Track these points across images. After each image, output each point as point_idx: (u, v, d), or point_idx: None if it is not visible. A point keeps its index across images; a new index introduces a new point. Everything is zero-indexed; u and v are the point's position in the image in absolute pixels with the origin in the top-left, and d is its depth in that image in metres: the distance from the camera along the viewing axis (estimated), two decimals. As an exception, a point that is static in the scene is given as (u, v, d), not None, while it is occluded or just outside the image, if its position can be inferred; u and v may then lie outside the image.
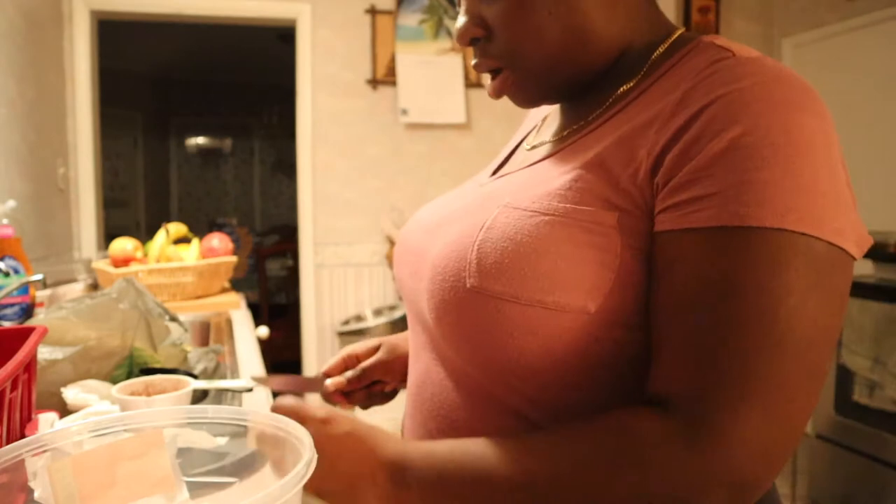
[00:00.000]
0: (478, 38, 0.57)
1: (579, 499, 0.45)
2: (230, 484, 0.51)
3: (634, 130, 0.50)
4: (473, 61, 0.59)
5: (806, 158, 0.44)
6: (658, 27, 0.57)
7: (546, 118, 0.69)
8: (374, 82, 3.08)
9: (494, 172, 0.67)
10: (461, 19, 0.57)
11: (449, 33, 3.12)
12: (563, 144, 0.57)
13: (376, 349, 0.79)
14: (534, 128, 0.71)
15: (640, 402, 0.48)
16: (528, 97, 0.60)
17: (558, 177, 0.52)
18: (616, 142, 0.51)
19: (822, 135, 0.45)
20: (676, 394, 0.46)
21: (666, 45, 0.55)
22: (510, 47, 0.56)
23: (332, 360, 0.79)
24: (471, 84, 3.16)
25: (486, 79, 3.40)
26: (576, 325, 0.48)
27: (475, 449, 0.50)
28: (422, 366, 0.62)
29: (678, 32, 0.57)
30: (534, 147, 0.63)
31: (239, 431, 0.49)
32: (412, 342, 0.66)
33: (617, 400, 0.50)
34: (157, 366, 0.97)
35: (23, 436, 0.63)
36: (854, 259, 0.46)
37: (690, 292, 0.45)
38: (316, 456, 0.42)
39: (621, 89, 0.56)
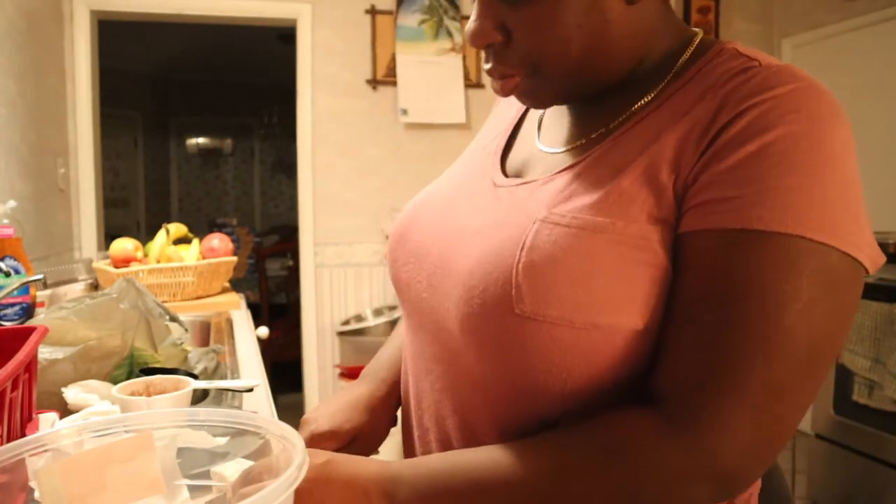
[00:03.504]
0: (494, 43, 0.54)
1: (570, 492, 0.46)
2: (226, 486, 0.51)
3: (676, 139, 0.49)
4: (487, 65, 0.56)
5: (833, 169, 0.45)
6: (676, 33, 0.57)
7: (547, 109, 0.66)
8: (374, 82, 3.08)
9: (503, 164, 0.64)
10: (475, 21, 0.54)
11: (449, 33, 3.12)
12: (592, 149, 0.54)
13: (348, 440, 0.67)
14: (527, 111, 0.68)
15: (641, 398, 0.49)
16: (540, 102, 0.58)
17: (598, 185, 0.51)
18: (656, 149, 0.50)
19: (849, 148, 0.46)
20: (672, 388, 0.46)
21: (690, 51, 0.55)
22: (532, 56, 0.53)
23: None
24: (471, 84, 3.16)
25: (486, 79, 3.36)
26: (626, 342, 0.48)
27: (466, 454, 0.50)
28: (436, 382, 0.60)
29: (699, 37, 0.56)
30: (551, 152, 0.60)
31: (239, 431, 0.50)
32: (415, 352, 0.63)
33: None
34: (158, 366, 0.97)
35: (23, 435, 0.63)
36: (867, 272, 0.47)
37: (700, 290, 0.46)
38: (308, 459, 0.42)
39: (649, 96, 0.54)
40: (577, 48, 0.52)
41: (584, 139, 0.57)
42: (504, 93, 0.57)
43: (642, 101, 0.54)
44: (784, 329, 0.43)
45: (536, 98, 0.57)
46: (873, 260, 0.47)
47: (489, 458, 0.49)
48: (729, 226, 0.45)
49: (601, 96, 0.57)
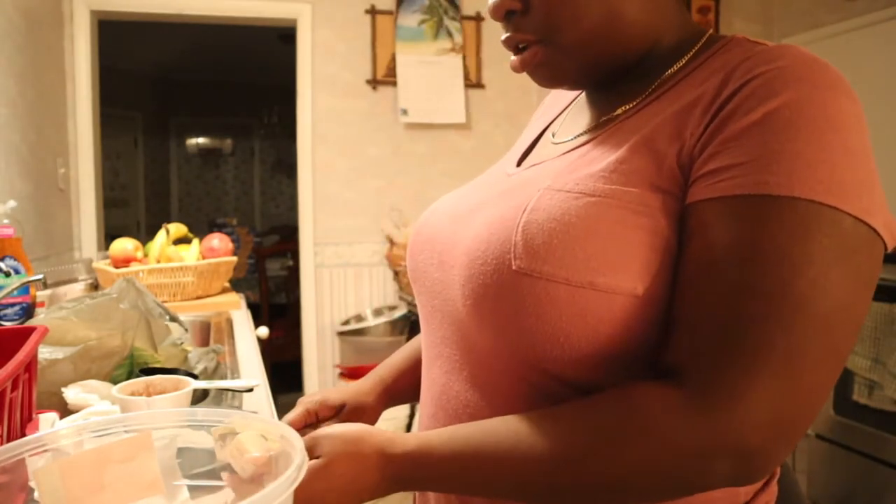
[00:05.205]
0: (513, 12, 0.57)
1: (586, 469, 0.45)
2: (222, 487, 0.51)
3: (679, 111, 0.50)
4: (504, 35, 0.58)
5: (839, 136, 0.45)
6: (688, 28, 0.59)
7: (568, 109, 0.69)
8: (374, 82, 3.08)
9: (519, 163, 0.66)
10: None
11: (449, 33, 3.12)
12: (599, 131, 0.57)
13: (338, 408, 0.71)
14: (555, 119, 0.70)
15: (653, 373, 0.48)
16: (553, 75, 0.59)
17: (601, 159, 0.52)
18: (660, 123, 0.51)
19: (856, 119, 0.46)
20: (686, 361, 0.45)
21: (700, 43, 0.56)
22: (547, 23, 0.55)
23: (292, 412, 0.70)
24: (471, 84, 3.16)
25: (487, 79, 3.36)
26: (624, 307, 0.47)
27: (474, 432, 0.50)
28: (445, 364, 0.60)
29: (709, 33, 0.58)
30: (563, 141, 0.62)
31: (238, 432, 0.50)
32: (428, 342, 0.64)
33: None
34: (158, 366, 0.97)
35: (23, 435, 0.63)
36: (884, 242, 0.46)
37: (710, 259, 0.46)
38: (307, 459, 0.42)
39: (658, 82, 0.56)
40: (589, 17, 0.54)
41: (594, 123, 0.59)
42: (521, 67, 0.59)
43: (652, 87, 0.56)
44: (798, 295, 0.42)
45: (551, 71, 0.58)
46: (891, 231, 0.46)
47: (500, 431, 0.49)
48: (735, 192, 0.45)
49: (614, 84, 0.59)
